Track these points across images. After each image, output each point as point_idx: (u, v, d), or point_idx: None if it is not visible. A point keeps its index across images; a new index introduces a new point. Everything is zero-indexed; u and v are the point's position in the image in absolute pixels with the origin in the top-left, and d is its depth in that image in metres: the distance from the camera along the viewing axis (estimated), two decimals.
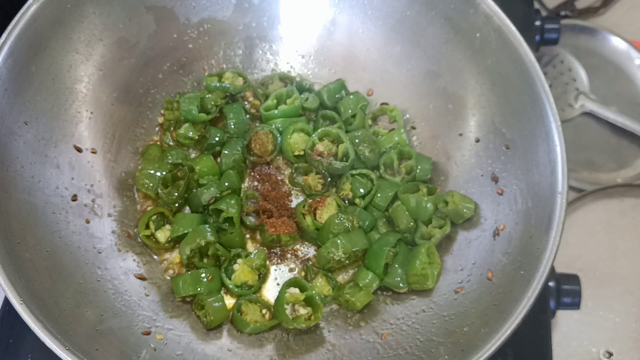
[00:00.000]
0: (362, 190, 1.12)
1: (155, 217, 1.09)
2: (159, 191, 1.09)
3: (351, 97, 1.19)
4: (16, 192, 0.96)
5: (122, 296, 1.01)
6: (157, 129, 1.20)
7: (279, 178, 1.17)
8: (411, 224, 1.09)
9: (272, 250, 1.11)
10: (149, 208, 1.13)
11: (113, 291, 1.01)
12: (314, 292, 1.02)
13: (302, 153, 1.15)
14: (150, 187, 1.10)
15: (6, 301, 1.09)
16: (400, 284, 1.05)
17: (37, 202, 0.99)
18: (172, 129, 1.18)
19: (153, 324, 1.00)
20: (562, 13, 1.56)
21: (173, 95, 1.21)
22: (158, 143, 1.19)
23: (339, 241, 1.04)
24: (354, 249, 1.05)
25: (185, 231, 1.06)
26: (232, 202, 1.08)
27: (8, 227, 0.93)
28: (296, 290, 1.03)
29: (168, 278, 1.08)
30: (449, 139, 1.16)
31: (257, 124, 1.19)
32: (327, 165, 1.12)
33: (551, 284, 1.11)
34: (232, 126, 1.17)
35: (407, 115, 1.21)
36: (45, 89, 1.04)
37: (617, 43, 1.50)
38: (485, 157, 1.10)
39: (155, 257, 1.10)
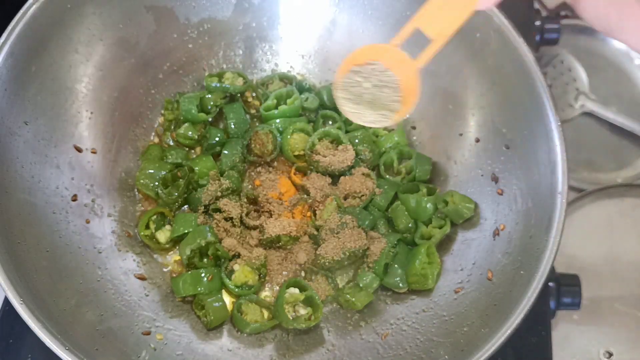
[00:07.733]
0: None
1: (155, 217, 1.09)
2: (159, 191, 1.09)
3: None
4: (16, 192, 0.96)
5: (122, 296, 1.01)
6: (158, 128, 1.20)
7: (279, 178, 1.17)
8: (411, 224, 1.09)
9: (272, 250, 1.11)
10: (149, 208, 1.13)
11: (113, 291, 1.01)
12: (313, 292, 1.02)
13: (302, 153, 1.15)
14: (150, 187, 1.10)
15: (6, 301, 1.09)
16: (400, 284, 1.05)
17: (37, 202, 0.99)
18: (172, 129, 1.18)
19: (153, 324, 1.00)
20: (562, 13, 1.55)
21: (173, 95, 1.21)
22: (158, 143, 1.19)
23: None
24: (354, 249, 1.05)
25: (185, 231, 1.06)
26: (232, 202, 1.08)
27: (8, 227, 0.93)
28: (296, 290, 1.03)
29: (167, 277, 1.08)
30: (449, 139, 1.16)
31: (257, 124, 1.19)
32: (327, 166, 1.12)
33: (551, 284, 1.11)
34: (232, 126, 1.16)
35: (407, 115, 1.21)
36: (45, 89, 1.04)
37: (617, 43, 1.50)
38: (485, 157, 1.10)
39: (155, 257, 1.10)
